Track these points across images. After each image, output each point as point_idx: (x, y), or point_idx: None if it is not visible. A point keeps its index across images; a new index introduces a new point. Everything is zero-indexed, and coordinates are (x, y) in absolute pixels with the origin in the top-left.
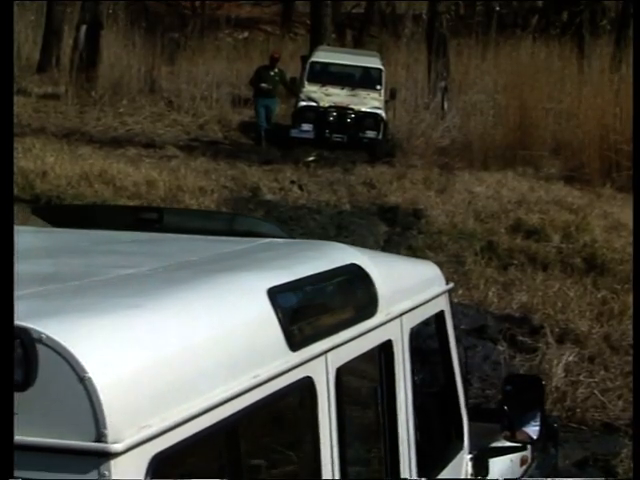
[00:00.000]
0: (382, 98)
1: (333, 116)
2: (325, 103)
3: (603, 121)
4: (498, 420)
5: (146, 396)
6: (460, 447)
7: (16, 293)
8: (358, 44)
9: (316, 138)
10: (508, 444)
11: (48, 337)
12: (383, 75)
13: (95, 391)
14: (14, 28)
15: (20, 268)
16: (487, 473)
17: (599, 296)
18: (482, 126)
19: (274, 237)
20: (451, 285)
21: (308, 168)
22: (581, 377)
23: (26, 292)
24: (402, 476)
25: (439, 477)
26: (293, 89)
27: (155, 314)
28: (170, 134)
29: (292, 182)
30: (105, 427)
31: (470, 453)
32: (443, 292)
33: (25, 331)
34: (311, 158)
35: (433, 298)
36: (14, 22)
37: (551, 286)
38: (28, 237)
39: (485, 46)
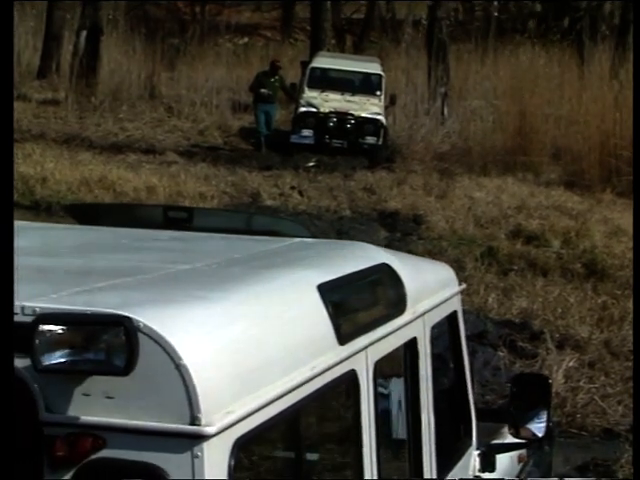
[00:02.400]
0: (382, 104)
1: (333, 122)
2: (325, 109)
3: (603, 127)
4: (503, 418)
5: (228, 383)
6: (469, 443)
7: (86, 287)
8: (358, 50)
9: (316, 144)
10: (514, 441)
11: (145, 325)
12: (383, 81)
13: (190, 377)
14: (14, 34)
15: (75, 263)
16: (494, 469)
17: (599, 302)
18: (482, 132)
19: (301, 237)
20: (464, 286)
21: (308, 174)
22: (581, 383)
23: (101, 285)
24: (425, 474)
25: (452, 473)
26: (293, 95)
27: (228, 306)
28: (170, 140)
29: (292, 188)
30: (199, 411)
31: (477, 449)
32: (457, 292)
33: (128, 319)
34: (311, 164)
35: (449, 298)
36: (14, 28)
37: (551, 292)
38: (65, 234)
39: (485, 51)
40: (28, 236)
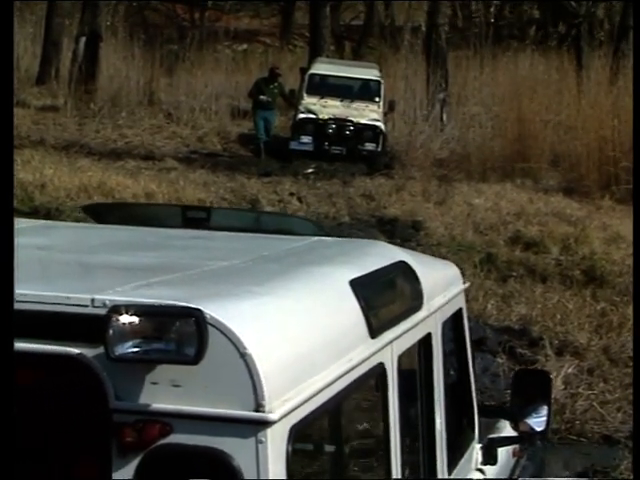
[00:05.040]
0: (381, 110)
1: (332, 128)
2: (324, 115)
3: (602, 133)
4: (498, 414)
5: (284, 372)
6: (472, 437)
7: (144, 282)
8: (357, 56)
9: (315, 150)
10: (515, 434)
11: (212, 317)
12: (382, 87)
13: (254, 366)
14: (13, 40)
15: (119, 260)
16: (495, 462)
17: (598, 308)
18: (481, 138)
19: (318, 235)
20: (468, 284)
21: (307, 180)
22: (580, 389)
23: (156, 280)
24: (437, 465)
25: (458, 466)
26: (292, 102)
27: (278, 300)
28: (169, 146)
29: (291, 194)
30: (263, 398)
31: (479, 443)
32: (463, 290)
33: (199, 311)
34: (310, 170)
35: (456, 295)
36: (13, 34)
37: (550, 298)
38: (91, 232)
39: (483, 58)
40: (57, 234)
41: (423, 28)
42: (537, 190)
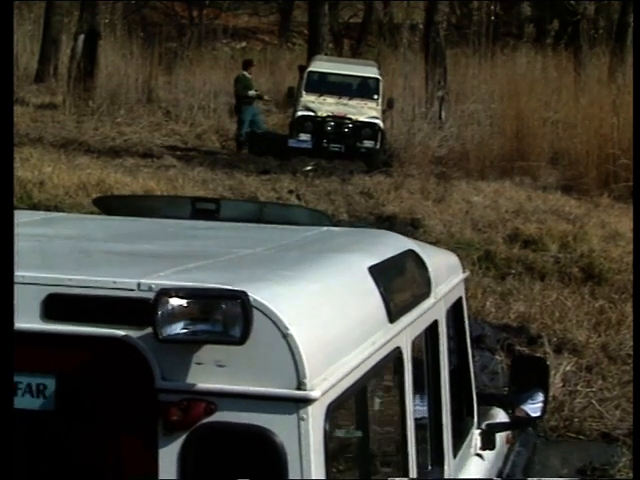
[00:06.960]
0: (379, 108)
1: (331, 126)
2: (323, 113)
3: (600, 130)
4: (492, 401)
5: (321, 351)
6: (472, 423)
7: (180, 267)
8: (355, 53)
9: (314, 148)
10: (511, 420)
11: (255, 299)
12: (380, 85)
13: (296, 345)
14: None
15: (147, 248)
16: (494, 447)
17: (597, 306)
18: (479, 135)
19: (325, 225)
20: (468, 273)
21: (306, 178)
22: (579, 387)
23: (191, 266)
24: (444, 449)
25: (460, 450)
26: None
27: (310, 284)
28: (168, 144)
29: (290, 192)
30: (305, 377)
31: (478, 428)
32: (463, 279)
33: (244, 294)
34: (309, 168)
35: (457, 284)
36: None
37: (549, 296)
38: (106, 224)
39: (482, 55)
40: (79, 225)
41: (421, 26)
42: (536, 188)
